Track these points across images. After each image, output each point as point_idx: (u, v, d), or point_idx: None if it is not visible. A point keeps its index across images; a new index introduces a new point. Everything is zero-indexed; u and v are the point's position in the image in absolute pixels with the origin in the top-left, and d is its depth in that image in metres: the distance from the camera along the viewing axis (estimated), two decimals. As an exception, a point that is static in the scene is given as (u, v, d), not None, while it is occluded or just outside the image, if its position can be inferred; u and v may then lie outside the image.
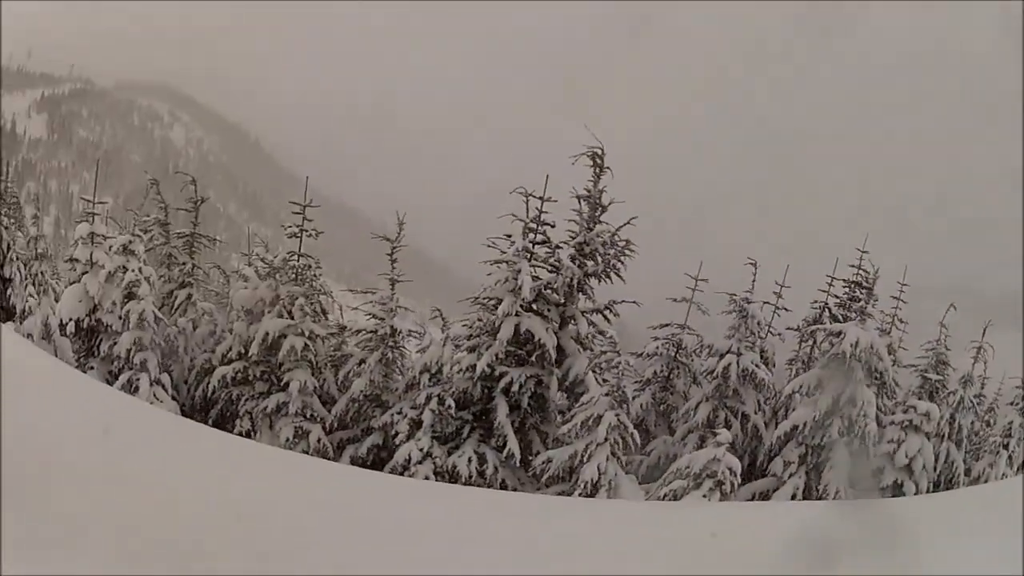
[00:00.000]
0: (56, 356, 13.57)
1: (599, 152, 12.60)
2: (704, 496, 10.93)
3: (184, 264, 15.55)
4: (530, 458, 12.65)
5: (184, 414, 13.59)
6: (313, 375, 13.51)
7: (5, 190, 20.96)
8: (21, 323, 15.21)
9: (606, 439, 11.57)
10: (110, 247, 13.79)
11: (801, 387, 13.61)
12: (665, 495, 11.48)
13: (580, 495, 11.30)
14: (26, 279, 17.04)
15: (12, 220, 19.68)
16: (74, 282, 13.98)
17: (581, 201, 12.90)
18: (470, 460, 12.32)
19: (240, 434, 12.92)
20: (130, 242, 13.88)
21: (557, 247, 13.06)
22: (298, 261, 14.13)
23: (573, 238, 13.01)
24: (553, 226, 13.12)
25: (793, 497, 12.76)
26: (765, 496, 13.24)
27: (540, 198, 12.74)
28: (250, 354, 13.41)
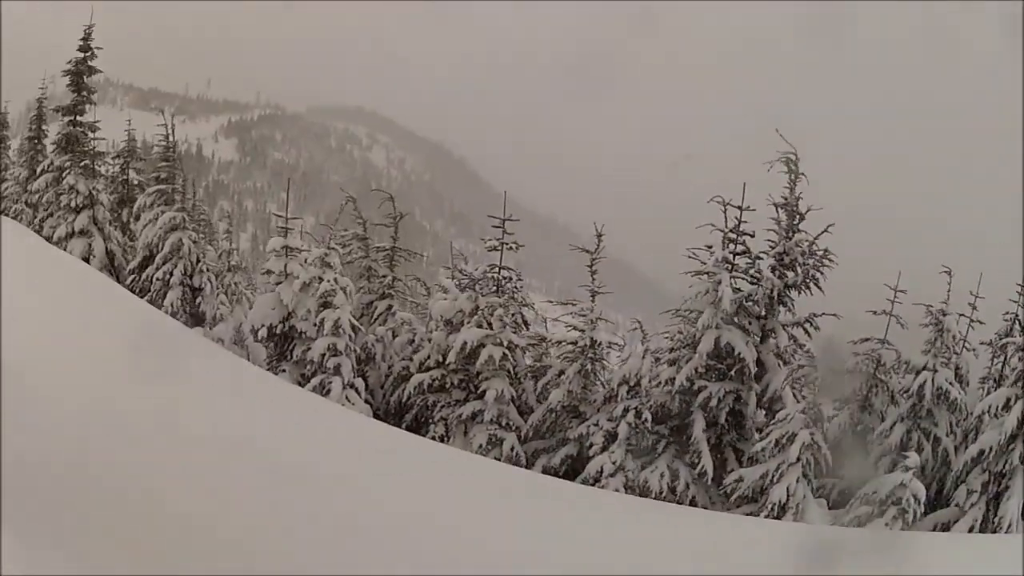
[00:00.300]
0: (248, 359, 17.41)
1: (793, 157, 14.59)
2: (887, 525, 12.37)
3: (384, 277, 19.26)
4: (723, 476, 14.61)
5: (377, 418, 16.61)
6: (511, 385, 16.32)
7: (193, 207, 25.95)
8: (211, 328, 19.35)
9: (798, 459, 13.36)
10: (305, 259, 17.35)
11: (989, 408, 14.55)
12: (850, 521, 13.00)
13: (766, 516, 13.04)
14: (217, 289, 21.31)
15: (202, 235, 24.40)
16: (268, 291, 17.82)
17: (778, 209, 14.96)
18: (662, 475, 14.47)
19: (433, 438, 15.84)
20: (326, 254, 17.41)
21: (757, 257, 15.14)
22: (498, 273, 17.25)
23: (772, 248, 15.09)
24: (752, 235, 15.24)
25: (971, 530, 13.79)
26: (946, 527, 14.35)
27: (739, 207, 14.99)
28: (448, 362, 16.41)
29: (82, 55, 25.05)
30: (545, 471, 15.49)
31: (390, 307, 18.84)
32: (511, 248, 17.45)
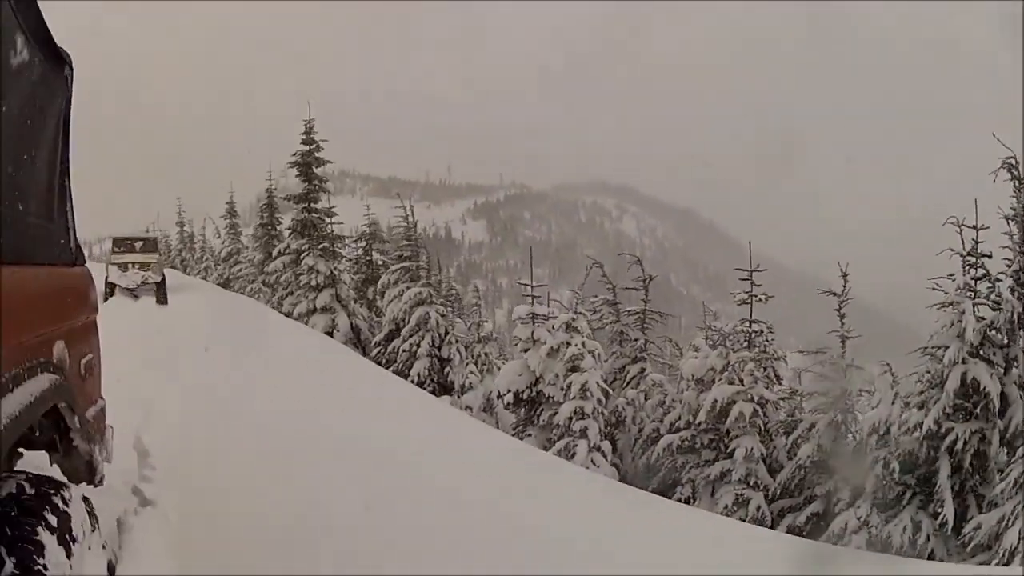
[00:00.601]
0: (496, 426, 17.89)
1: (1014, 162, 13.08)
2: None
3: (636, 340, 18.98)
4: (963, 524, 12.91)
5: (624, 481, 16.09)
6: (761, 442, 15.50)
7: (439, 283, 26.65)
8: (459, 397, 19.87)
9: (1037, 499, 11.72)
10: (553, 325, 17.46)
11: None
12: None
13: (997, 564, 11.53)
14: (467, 359, 21.82)
15: (451, 309, 25.01)
16: (516, 358, 18.01)
17: (1009, 222, 13.29)
18: (905, 529, 13.06)
19: (679, 500, 15.21)
20: (573, 319, 17.46)
21: (996, 279, 13.59)
22: (749, 327, 16.53)
23: (1009, 266, 13.45)
24: (990, 256, 13.67)
25: None
26: None
27: (974, 227, 13.43)
28: (698, 422, 15.82)
29: (307, 148, 26.80)
30: (790, 531, 14.55)
31: (642, 370, 18.42)
32: (760, 300, 16.67)
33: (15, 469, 3.38)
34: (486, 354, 22.95)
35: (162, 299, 23.36)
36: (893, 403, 14.01)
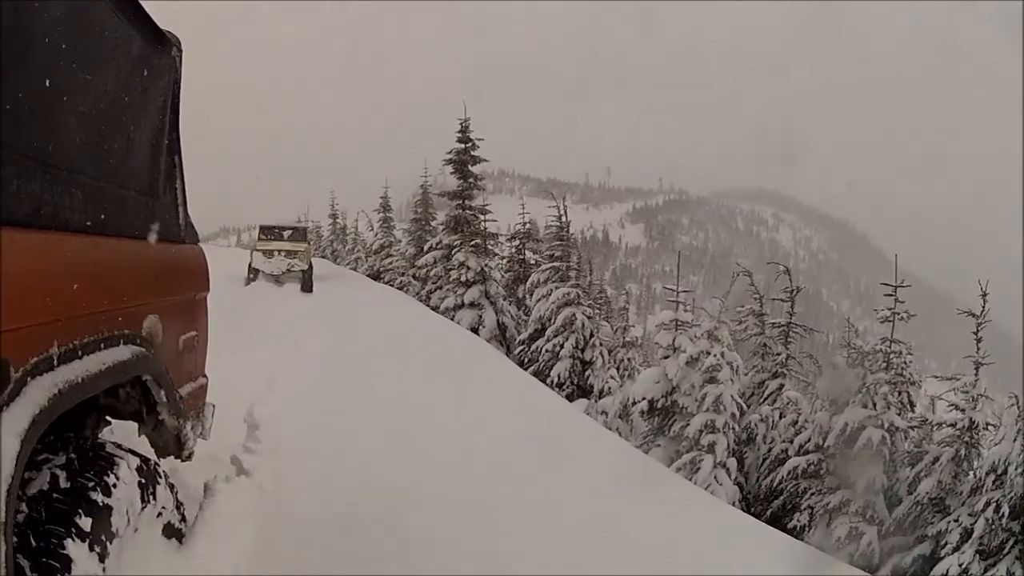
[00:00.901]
0: (630, 432, 17.80)
1: None
2: None
3: (778, 354, 18.25)
4: None
5: (747, 500, 16.08)
6: (885, 473, 14.50)
7: (590, 285, 26.62)
8: (597, 401, 19.67)
9: None
10: (695, 333, 16.83)
11: None
12: None
13: None
14: (608, 363, 21.58)
15: (598, 312, 24.91)
16: (656, 365, 17.54)
17: None
18: None
19: (794, 528, 14.64)
20: (715, 328, 16.72)
21: None
22: (888, 347, 15.38)
23: None
24: None
25: None
26: None
27: None
28: (826, 445, 15.04)
29: (463, 146, 27.19)
30: (894, 572, 13.70)
31: (781, 386, 17.75)
32: (903, 319, 15.52)
33: (96, 439, 3.46)
34: (629, 359, 22.68)
35: (307, 287, 24.16)
36: (1015, 440, 12.81)
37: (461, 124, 26.91)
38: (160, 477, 3.32)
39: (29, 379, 2.21)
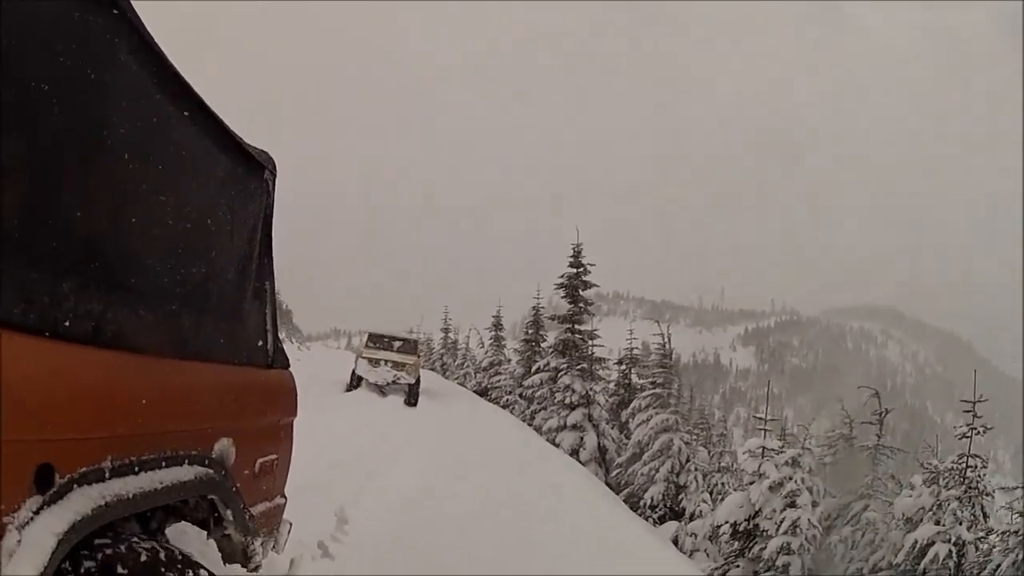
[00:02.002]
0: (718, 553, 17.77)
1: None
2: None
3: (865, 476, 17.89)
4: None
5: None
6: None
7: (690, 411, 26.54)
8: (687, 524, 19.47)
9: None
10: (780, 460, 17.00)
11: None
12: None
13: None
14: (702, 487, 21.43)
15: (695, 437, 24.79)
16: (740, 489, 17.64)
17: None
18: None
19: None
20: (799, 455, 17.06)
21: None
22: (965, 463, 15.32)
23: None
24: None
25: None
26: None
27: None
28: (897, 562, 14.95)
29: (575, 271, 27.52)
30: None
31: (866, 507, 17.42)
32: (979, 433, 15.47)
33: (163, 534, 3.43)
34: (723, 483, 22.41)
35: (411, 401, 23.03)
36: None
37: (574, 249, 27.38)
38: None
39: (76, 486, 2.28)
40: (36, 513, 2.14)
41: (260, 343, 3.99)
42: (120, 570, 2.68)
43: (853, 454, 18.60)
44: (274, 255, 4.10)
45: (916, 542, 14.64)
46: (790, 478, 16.45)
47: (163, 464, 2.78)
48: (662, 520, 20.32)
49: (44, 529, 2.15)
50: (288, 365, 4.39)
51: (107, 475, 2.44)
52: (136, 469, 2.60)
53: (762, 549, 16.06)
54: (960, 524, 14.60)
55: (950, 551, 14.28)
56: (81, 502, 2.29)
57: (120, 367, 2.60)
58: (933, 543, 14.44)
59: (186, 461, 2.97)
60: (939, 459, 16.62)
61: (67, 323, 2.29)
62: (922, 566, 14.49)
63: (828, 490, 18.64)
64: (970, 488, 15.19)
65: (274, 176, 3.99)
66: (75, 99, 2.27)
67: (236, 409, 3.63)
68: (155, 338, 2.82)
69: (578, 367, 26.84)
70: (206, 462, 3.15)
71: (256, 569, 4.10)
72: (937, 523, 14.67)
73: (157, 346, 2.83)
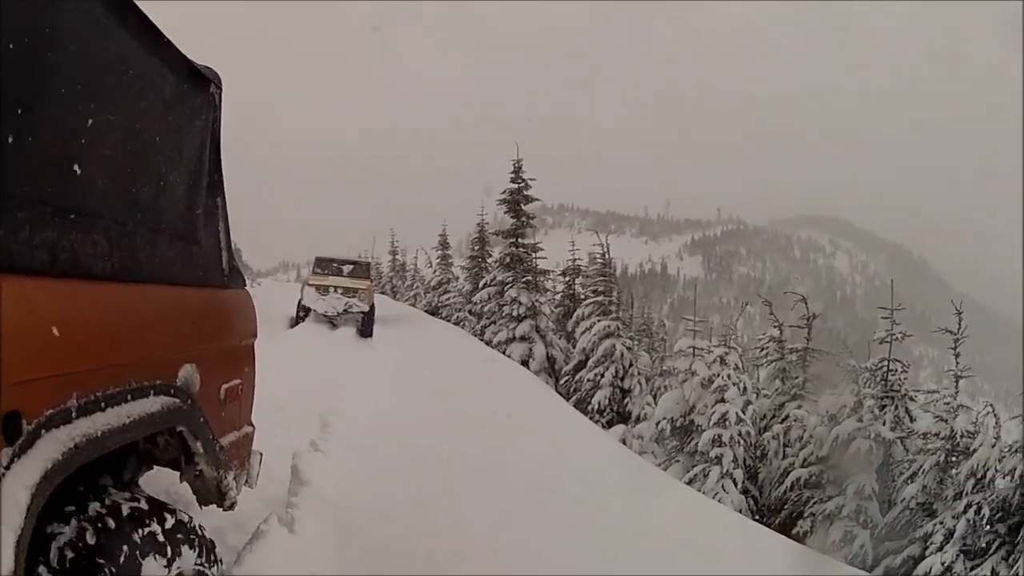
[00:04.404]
0: (662, 454, 18.08)
1: None
2: None
3: (796, 378, 18.51)
4: None
5: (760, 511, 16.66)
6: (878, 480, 14.99)
7: (631, 318, 26.80)
8: (633, 427, 19.91)
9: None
10: (710, 359, 17.56)
11: None
12: None
13: None
14: (646, 391, 21.79)
15: (638, 343, 25.12)
16: (675, 389, 18.15)
17: None
18: None
19: (797, 534, 14.93)
20: (726, 354, 17.62)
21: None
22: (887, 366, 15.87)
23: None
24: None
25: None
26: None
27: None
28: (824, 456, 15.50)
29: (516, 186, 27.48)
30: (887, 572, 14.13)
31: (799, 406, 17.88)
32: (898, 339, 16.06)
33: (136, 484, 3.38)
34: (665, 387, 22.63)
35: (366, 331, 20.89)
36: (993, 446, 13.30)
37: (514, 165, 27.20)
38: (190, 533, 3.09)
39: (43, 432, 2.12)
40: (7, 467, 2.00)
41: (215, 262, 3.77)
42: (105, 526, 2.64)
43: (783, 356, 19.07)
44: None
45: (838, 436, 15.16)
46: (718, 375, 17.03)
47: (128, 397, 2.63)
48: (610, 424, 20.60)
49: (16, 484, 2.01)
50: (245, 284, 4.21)
51: (73, 415, 2.29)
52: (102, 405, 2.45)
53: (697, 443, 16.55)
54: (879, 421, 15.13)
55: (871, 447, 14.82)
56: (50, 447, 2.15)
57: (78, 296, 2.43)
58: (855, 438, 14.97)
59: (151, 392, 2.81)
60: (852, 363, 17.47)
61: (20, 255, 2.13)
62: (845, 460, 15.00)
63: (761, 391, 19.36)
64: (891, 390, 15.73)
65: (220, 91, 3.73)
66: (6, 19, 2.06)
67: (196, 332, 3.42)
68: (110, 263, 2.63)
69: (523, 280, 26.91)
70: (172, 391, 2.98)
71: (232, 507, 3.94)
72: (860, 420, 15.17)
73: (113, 271, 2.65)
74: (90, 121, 2.50)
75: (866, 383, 15.96)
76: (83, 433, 2.30)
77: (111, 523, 2.68)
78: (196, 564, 3.11)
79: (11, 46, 2.07)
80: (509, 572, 5.41)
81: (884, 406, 15.53)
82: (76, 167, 2.43)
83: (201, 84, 3.50)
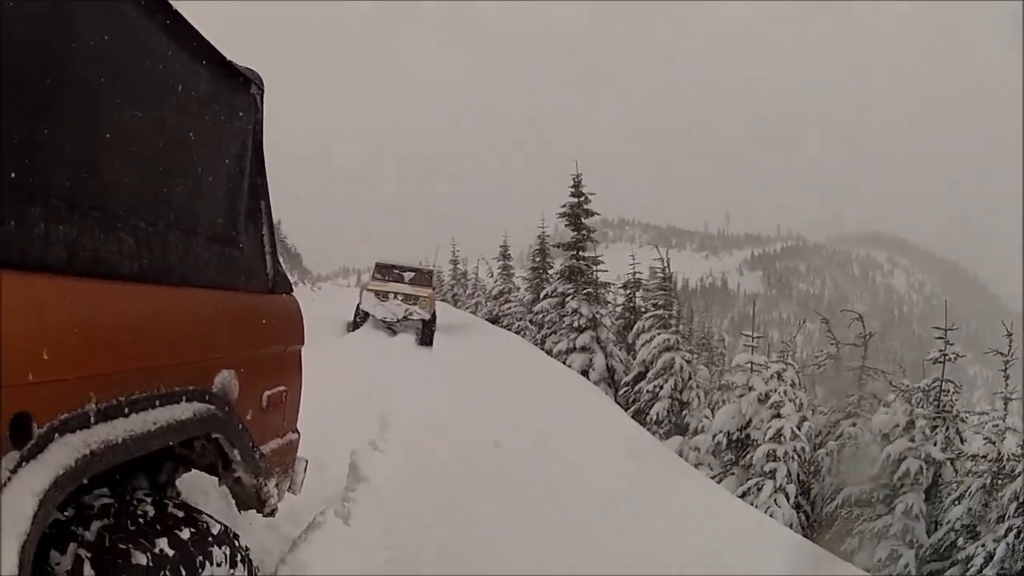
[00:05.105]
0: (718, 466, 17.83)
1: None
2: None
3: (851, 396, 18.10)
4: None
5: (811, 526, 16.44)
6: (927, 501, 14.52)
7: (691, 332, 26.49)
8: (691, 439, 19.55)
9: None
10: (767, 374, 17.20)
11: None
12: None
13: None
14: (704, 404, 21.53)
15: (697, 356, 24.80)
16: (732, 403, 17.80)
17: None
18: None
19: (845, 551, 14.51)
20: (783, 370, 17.23)
21: None
22: (939, 386, 15.43)
23: None
24: None
25: None
26: None
27: None
28: (874, 473, 15.06)
29: (576, 200, 27.25)
30: None
31: (853, 424, 17.48)
32: (951, 360, 15.55)
33: (173, 485, 3.32)
34: (723, 400, 22.33)
35: (426, 340, 20.19)
36: None
37: (574, 179, 26.98)
38: (222, 541, 2.93)
39: (56, 436, 2.01)
40: (13, 472, 1.88)
41: (258, 266, 3.59)
42: (120, 527, 2.51)
43: (840, 374, 18.85)
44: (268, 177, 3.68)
45: (889, 455, 14.74)
46: (775, 390, 16.74)
47: (157, 403, 2.48)
48: (667, 435, 20.37)
49: (23, 490, 1.89)
50: (291, 289, 3.98)
51: (92, 420, 2.15)
52: (125, 411, 2.30)
53: (752, 457, 16.31)
54: (929, 442, 14.71)
55: (921, 467, 14.39)
56: (63, 453, 2.02)
57: (100, 296, 2.28)
58: (905, 458, 14.55)
59: (183, 398, 2.66)
60: (905, 383, 16.80)
61: (36, 252, 2.01)
62: (896, 478, 14.61)
63: (818, 407, 18.94)
64: (943, 411, 15.33)
65: (262, 93, 3.56)
66: (40, 13, 1.99)
67: (236, 338, 3.25)
68: (138, 263, 2.49)
69: (584, 292, 26.67)
70: (206, 397, 2.83)
71: (272, 513, 3.77)
72: (911, 440, 14.74)
73: (141, 272, 2.51)
74: (115, 118, 2.38)
75: (919, 403, 15.52)
76: (102, 439, 2.17)
77: (131, 526, 2.56)
78: (226, 568, 2.97)
79: (35, 40, 1.98)
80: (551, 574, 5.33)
81: (935, 427, 15.15)
82: (99, 164, 2.31)
83: (241, 85, 3.36)
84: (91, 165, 2.26)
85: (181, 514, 2.79)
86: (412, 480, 6.67)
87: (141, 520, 2.59)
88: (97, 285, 2.27)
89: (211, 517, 2.94)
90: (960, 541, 13.72)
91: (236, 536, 3.08)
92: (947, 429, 15.16)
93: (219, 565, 2.86)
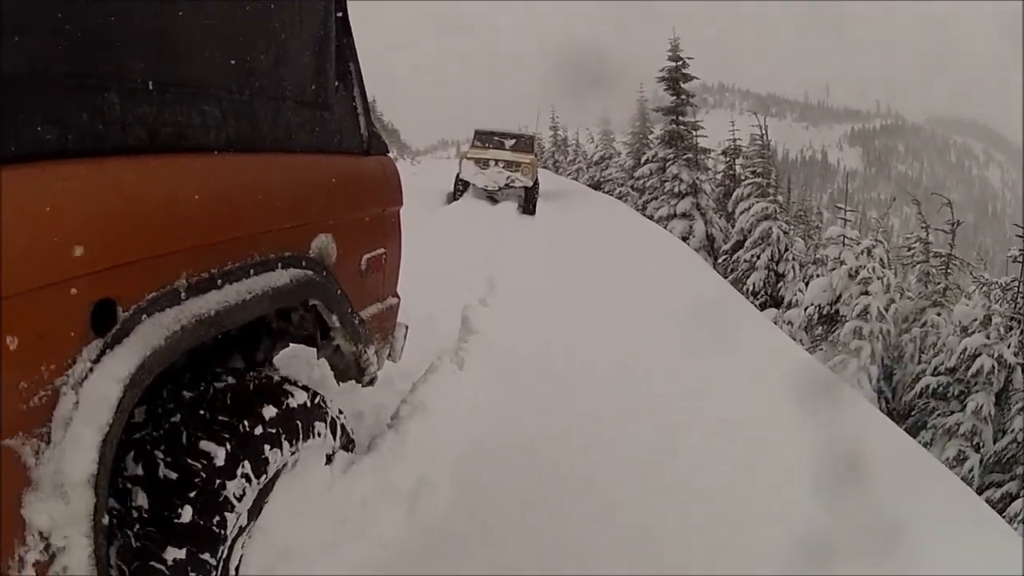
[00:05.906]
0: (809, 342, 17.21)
1: None
2: None
3: (939, 283, 17.35)
4: None
5: (890, 414, 15.21)
6: (997, 405, 13.92)
7: (790, 202, 25.65)
8: (785, 312, 18.96)
9: None
10: (859, 250, 16.55)
11: None
12: None
13: None
14: (799, 277, 20.81)
15: (794, 228, 24.08)
16: (824, 276, 17.24)
17: None
18: None
19: (921, 443, 13.49)
20: (873, 246, 16.57)
21: None
22: (1019, 287, 14.70)
23: None
24: None
25: None
26: None
27: None
28: (950, 366, 14.48)
29: (674, 64, 26.37)
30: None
31: (939, 313, 16.79)
32: None
33: (270, 362, 3.21)
34: (817, 275, 21.72)
35: (529, 208, 18.84)
36: None
37: (671, 43, 26.07)
38: (321, 410, 2.87)
39: (144, 317, 1.90)
40: (96, 361, 1.76)
41: (351, 128, 3.35)
42: (196, 417, 2.41)
43: (928, 260, 18.02)
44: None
45: (966, 349, 14.13)
46: (864, 266, 16.18)
47: (252, 272, 2.36)
48: (763, 307, 19.93)
49: (106, 378, 1.77)
50: (387, 150, 3.73)
51: (183, 296, 2.04)
52: (219, 282, 2.19)
53: (839, 333, 15.84)
54: (1004, 343, 14.01)
55: (993, 366, 13.72)
56: (151, 333, 1.90)
57: (185, 170, 2.16)
58: (980, 354, 13.92)
59: (279, 264, 2.53)
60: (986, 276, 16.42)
61: (110, 135, 1.87)
62: (970, 374, 14.01)
63: (906, 291, 18.43)
64: (1019, 311, 14.58)
65: None
66: None
67: (332, 201, 3.06)
68: (224, 134, 2.34)
69: (684, 157, 26.15)
70: (303, 263, 2.69)
71: (372, 383, 3.63)
72: (987, 336, 14.11)
73: (228, 142, 2.36)
74: None
75: (997, 300, 14.93)
76: (193, 314, 2.06)
77: (235, 402, 2.49)
78: (326, 439, 2.94)
79: None
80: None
81: (1011, 328, 14.42)
82: (177, 37, 2.17)
83: None
84: (170, 39, 2.13)
85: (271, 384, 2.69)
86: (517, 335, 6.82)
87: (219, 405, 2.47)
88: (183, 159, 2.16)
89: (296, 386, 2.79)
90: (1021, 455, 13.24)
91: (326, 403, 2.95)
92: (1022, 333, 14.43)
93: (312, 438, 2.78)
